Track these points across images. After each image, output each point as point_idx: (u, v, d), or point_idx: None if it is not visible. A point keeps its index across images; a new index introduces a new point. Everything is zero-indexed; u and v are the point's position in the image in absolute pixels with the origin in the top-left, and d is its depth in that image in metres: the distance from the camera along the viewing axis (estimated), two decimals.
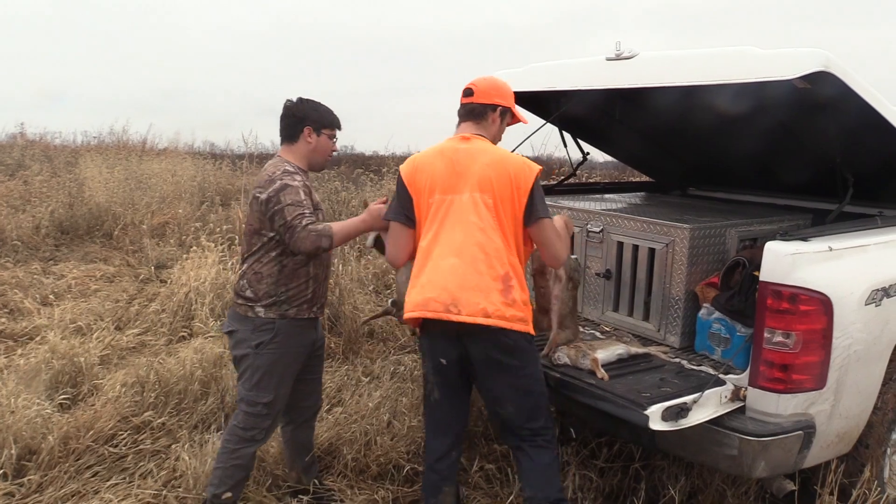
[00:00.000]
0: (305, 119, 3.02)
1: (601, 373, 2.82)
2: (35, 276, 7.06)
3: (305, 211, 2.82)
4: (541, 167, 2.68)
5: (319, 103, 3.08)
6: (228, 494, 2.96)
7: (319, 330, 3.23)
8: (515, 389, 2.67)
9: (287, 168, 2.94)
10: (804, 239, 2.74)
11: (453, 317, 2.56)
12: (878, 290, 2.82)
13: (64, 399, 4.12)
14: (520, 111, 2.92)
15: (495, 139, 2.84)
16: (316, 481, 3.29)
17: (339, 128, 3.12)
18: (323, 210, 3.09)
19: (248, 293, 2.95)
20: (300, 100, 3.06)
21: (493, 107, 2.78)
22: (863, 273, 2.82)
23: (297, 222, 2.78)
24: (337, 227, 2.85)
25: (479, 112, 2.79)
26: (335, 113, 3.11)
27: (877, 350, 2.87)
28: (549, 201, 3.97)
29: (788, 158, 3.89)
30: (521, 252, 2.69)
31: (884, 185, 3.52)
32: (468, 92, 2.81)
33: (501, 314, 2.54)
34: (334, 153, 3.15)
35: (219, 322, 5.50)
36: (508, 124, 2.92)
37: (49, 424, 3.66)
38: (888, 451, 3.14)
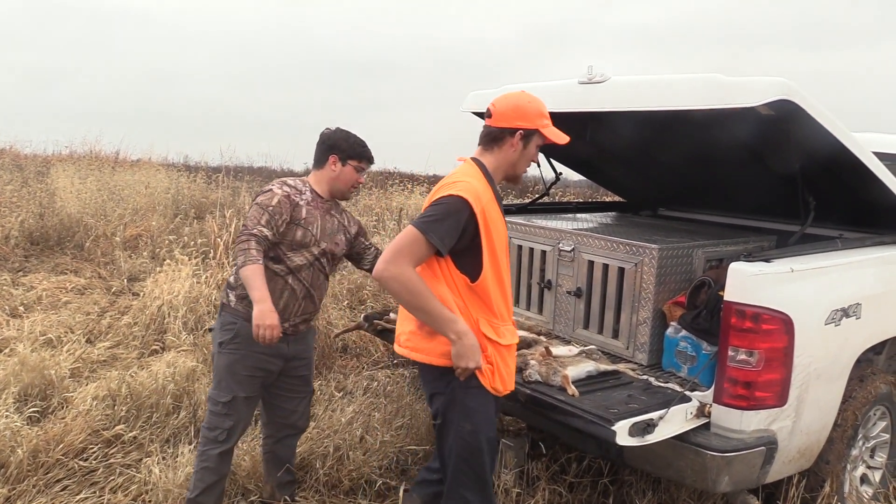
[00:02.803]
0: (334, 147, 3.12)
1: (571, 389, 2.87)
2: (4, 288, 6.96)
3: (262, 219, 2.92)
4: (456, 193, 2.39)
5: (353, 135, 3.16)
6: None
7: (298, 348, 3.20)
8: None
9: (296, 182, 3.11)
10: (767, 260, 2.83)
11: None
12: (837, 310, 2.92)
13: (33, 412, 4.08)
14: (554, 132, 2.62)
15: (516, 166, 2.62)
16: (287, 497, 3.31)
17: (369, 161, 3.20)
18: (323, 239, 3.10)
19: (231, 279, 3.08)
20: (336, 129, 3.17)
21: (512, 130, 2.55)
22: (823, 294, 2.92)
23: (243, 228, 2.94)
24: (249, 272, 2.82)
25: (495, 136, 2.57)
26: (367, 147, 3.18)
27: (836, 368, 2.97)
28: (521, 220, 4.06)
29: (754, 181, 3.99)
30: (452, 278, 2.48)
31: (844, 208, 3.63)
32: (486, 114, 2.60)
33: (412, 345, 2.60)
34: (360, 184, 3.22)
35: (192, 336, 5.49)
36: (541, 145, 2.66)
37: (18, 438, 3.63)
38: (848, 466, 3.23)
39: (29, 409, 4.08)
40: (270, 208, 2.94)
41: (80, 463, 3.59)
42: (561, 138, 2.62)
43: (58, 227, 9.32)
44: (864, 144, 3.08)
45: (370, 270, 3.21)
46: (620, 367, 3.22)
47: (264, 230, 2.91)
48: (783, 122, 2.82)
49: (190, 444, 3.80)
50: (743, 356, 2.71)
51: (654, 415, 2.61)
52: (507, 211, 4.44)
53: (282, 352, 3.10)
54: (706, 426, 2.79)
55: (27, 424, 3.90)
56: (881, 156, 3.34)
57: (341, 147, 3.12)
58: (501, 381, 2.53)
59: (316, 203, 3.11)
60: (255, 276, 2.81)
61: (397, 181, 14.01)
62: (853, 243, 3.38)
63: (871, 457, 3.45)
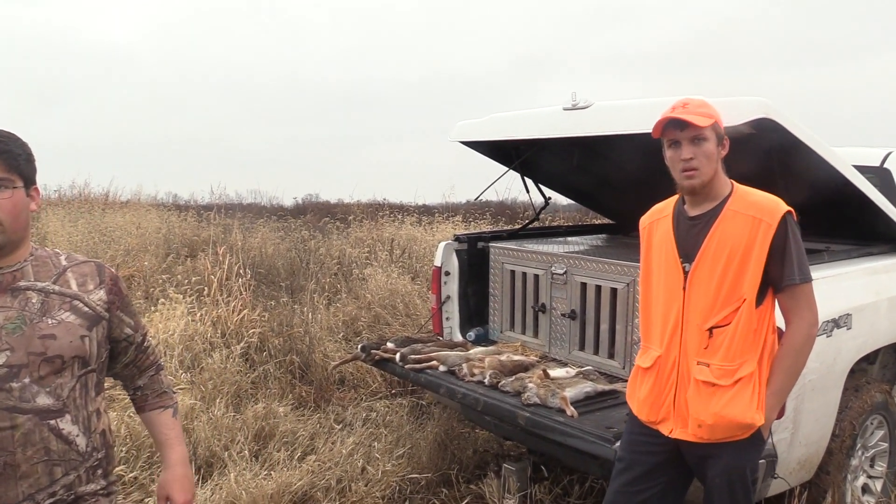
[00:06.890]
0: None
1: (570, 410, 2.89)
2: None
3: None
4: None
5: None
6: None
7: None
8: None
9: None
10: None
11: None
12: (828, 321, 2.96)
13: None
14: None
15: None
16: None
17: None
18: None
19: None
20: None
21: None
22: None
23: None
24: None
25: None
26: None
27: (831, 379, 3.00)
28: (513, 245, 4.11)
29: None
30: None
31: (830, 221, 3.69)
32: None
33: None
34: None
35: (189, 374, 5.48)
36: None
37: None
38: (849, 476, 3.25)
39: None
40: None
41: None
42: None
43: None
44: (844, 158, 3.14)
45: (134, 393, 2.08)
46: (618, 386, 3.24)
47: None
48: (765, 139, 2.89)
49: None
50: None
51: None
52: (498, 237, 4.48)
53: None
54: None
55: None
56: (862, 169, 3.41)
57: None
58: (632, 402, 2.41)
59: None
60: None
61: (387, 212, 14.04)
62: (840, 255, 3.42)
63: (871, 466, 3.47)
